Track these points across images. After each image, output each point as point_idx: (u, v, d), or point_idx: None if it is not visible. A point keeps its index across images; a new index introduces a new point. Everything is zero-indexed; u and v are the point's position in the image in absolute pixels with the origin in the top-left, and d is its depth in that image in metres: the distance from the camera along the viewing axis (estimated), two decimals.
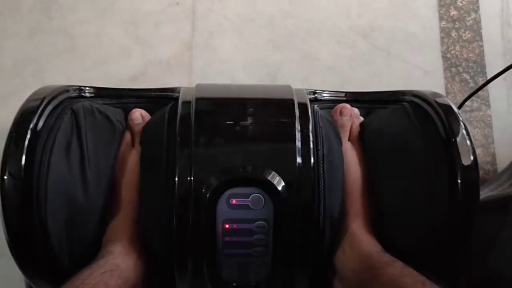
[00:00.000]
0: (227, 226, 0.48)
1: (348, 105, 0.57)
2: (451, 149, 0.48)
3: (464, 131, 0.49)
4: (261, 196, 0.47)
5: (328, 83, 0.78)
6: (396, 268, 0.43)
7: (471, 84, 0.80)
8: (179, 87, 0.58)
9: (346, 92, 0.62)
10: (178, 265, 0.49)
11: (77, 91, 0.57)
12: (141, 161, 0.52)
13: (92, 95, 0.58)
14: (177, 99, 0.55)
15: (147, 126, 0.55)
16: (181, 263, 0.49)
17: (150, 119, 0.56)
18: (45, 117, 0.50)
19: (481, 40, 0.83)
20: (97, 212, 0.50)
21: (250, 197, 0.47)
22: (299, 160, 0.49)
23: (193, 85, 0.59)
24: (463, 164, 0.47)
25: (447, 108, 0.52)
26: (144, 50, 0.79)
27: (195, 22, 0.81)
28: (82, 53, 0.78)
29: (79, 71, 0.77)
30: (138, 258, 0.49)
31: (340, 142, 0.54)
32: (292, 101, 0.53)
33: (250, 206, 0.47)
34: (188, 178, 0.47)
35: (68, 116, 0.51)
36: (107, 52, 0.78)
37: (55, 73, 0.76)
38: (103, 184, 0.50)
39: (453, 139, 0.49)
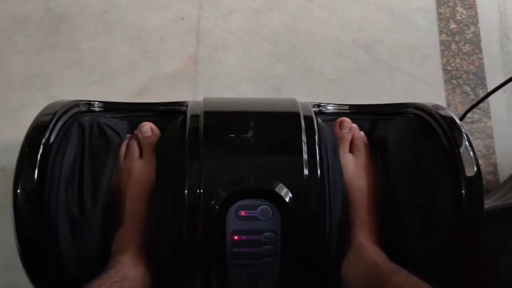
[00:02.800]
0: (236, 237, 0.48)
1: (347, 119, 0.58)
2: (454, 160, 0.49)
3: (467, 143, 0.50)
4: (269, 208, 0.48)
5: (331, 96, 0.79)
6: (401, 276, 0.43)
7: (472, 96, 0.82)
8: (187, 101, 0.59)
9: (349, 105, 0.63)
10: (187, 276, 0.49)
11: (87, 105, 0.58)
12: (156, 174, 0.53)
13: (101, 109, 0.59)
14: (185, 112, 0.56)
15: (161, 140, 0.55)
16: (190, 274, 0.49)
17: (164, 132, 0.56)
18: (56, 131, 0.51)
19: (481, 53, 0.84)
20: (98, 223, 0.50)
21: (258, 209, 0.48)
22: (306, 172, 0.49)
23: (198, 99, 0.59)
24: (466, 175, 0.48)
25: (450, 120, 0.53)
26: (150, 64, 0.80)
27: (200, 36, 0.82)
28: (90, 67, 0.79)
29: (86, 85, 0.78)
30: (146, 269, 0.49)
31: (338, 154, 0.55)
32: (298, 114, 0.53)
33: (259, 217, 0.48)
34: (198, 191, 0.48)
35: (76, 130, 0.52)
36: (114, 66, 0.79)
37: (63, 87, 0.78)
38: (99, 197, 0.50)
39: (456, 151, 0.49)
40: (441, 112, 0.55)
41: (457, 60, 0.83)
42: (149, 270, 0.50)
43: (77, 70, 0.79)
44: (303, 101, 0.59)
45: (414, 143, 0.54)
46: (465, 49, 0.84)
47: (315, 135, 0.52)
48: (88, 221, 0.50)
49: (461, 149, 0.50)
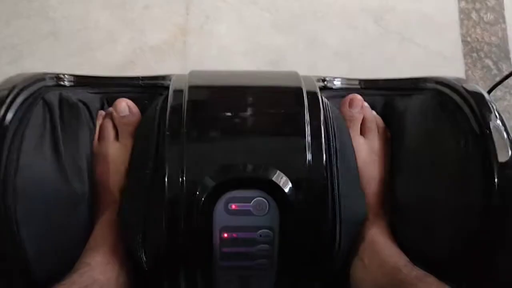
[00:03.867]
0: (225, 235, 0.43)
1: (358, 96, 0.52)
2: (485, 144, 0.43)
3: (499, 122, 0.44)
4: (265, 200, 0.42)
5: (336, 71, 0.73)
6: (430, 285, 0.38)
7: (494, 71, 0.75)
8: (171, 75, 0.53)
9: (360, 80, 0.56)
10: (169, 279, 0.44)
11: (55, 79, 0.52)
12: (130, 159, 0.48)
13: (72, 84, 0.53)
14: (168, 87, 0.50)
15: (142, 120, 0.50)
16: (172, 277, 0.44)
17: (146, 112, 0.51)
18: (14, 109, 0.45)
19: (504, 22, 0.78)
20: (81, 214, 0.45)
21: (252, 201, 0.42)
22: (309, 157, 0.43)
23: (188, 72, 0.53)
24: (499, 161, 0.42)
25: (478, 96, 0.46)
26: (134, 35, 0.74)
27: (189, 4, 0.76)
28: (65, 39, 0.73)
29: (61, 58, 0.73)
30: (120, 268, 0.44)
31: (349, 136, 0.49)
32: (300, 89, 0.48)
33: (252, 211, 0.42)
34: (180, 179, 0.42)
35: (39, 108, 0.46)
36: (93, 37, 0.74)
37: (35, 61, 0.72)
38: (84, 182, 0.45)
39: (488, 131, 0.43)
40: (467, 86, 0.49)
41: (478, 31, 0.77)
42: (124, 270, 0.44)
43: (51, 42, 0.73)
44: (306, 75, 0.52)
45: (436, 123, 0.48)
46: (486, 18, 0.78)
47: (320, 113, 0.46)
48: (71, 211, 0.44)
49: (493, 130, 0.44)
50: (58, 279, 0.41)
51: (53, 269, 0.43)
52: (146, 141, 0.47)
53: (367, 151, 0.50)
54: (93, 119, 0.50)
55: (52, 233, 0.43)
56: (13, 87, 0.46)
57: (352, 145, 0.48)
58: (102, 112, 0.52)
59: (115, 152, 0.49)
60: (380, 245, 0.44)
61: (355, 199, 0.46)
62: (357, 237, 0.46)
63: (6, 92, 0.45)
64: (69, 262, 0.43)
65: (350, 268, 0.45)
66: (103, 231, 0.46)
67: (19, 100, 0.45)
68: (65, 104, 0.48)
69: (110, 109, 0.51)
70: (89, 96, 0.51)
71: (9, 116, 0.44)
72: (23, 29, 0.72)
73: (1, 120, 0.43)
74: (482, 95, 0.46)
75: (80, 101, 0.49)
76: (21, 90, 0.46)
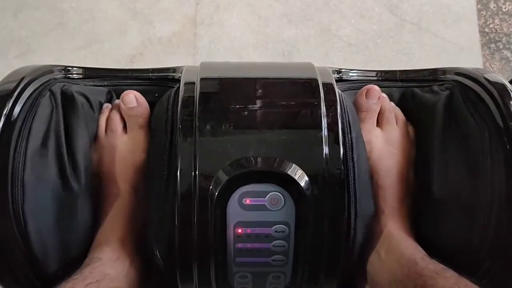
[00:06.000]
0: (239, 230, 0.42)
1: (375, 87, 0.50)
2: (508, 136, 0.42)
3: None
4: (281, 195, 0.41)
5: (350, 62, 0.73)
6: (449, 279, 0.37)
7: None
8: (181, 67, 0.52)
9: (377, 71, 0.55)
10: (181, 275, 0.43)
11: (63, 71, 0.51)
12: (148, 153, 0.47)
13: (80, 76, 0.52)
14: (179, 80, 0.49)
15: (154, 111, 0.49)
16: (185, 273, 0.43)
17: (158, 103, 0.50)
18: (22, 101, 0.45)
19: None
20: (83, 210, 0.44)
21: (267, 196, 0.41)
22: (326, 150, 0.42)
23: (197, 64, 0.52)
24: None
25: (501, 87, 0.45)
26: (142, 27, 0.74)
27: None
28: (73, 31, 0.73)
29: (69, 50, 0.72)
30: (131, 264, 0.43)
31: (359, 128, 0.48)
32: (315, 80, 0.46)
33: (267, 206, 0.42)
34: (192, 173, 0.41)
35: (46, 100, 0.46)
36: (101, 29, 0.73)
37: (43, 53, 0.71)
38: (80, 179, 0.44)
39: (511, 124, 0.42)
40: (489, 77, 0.48)
41: (496, 21, 0.76)
42: (135, 265, 0.44)
43: (59, 34, 0.72)
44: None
45: (456, 116, 0.47)
46: (505, 7, 0.76)
47: (336, 105, 0.45)
48: (69, 207, 0.43)
49: None
50: (68, 273, 0.40)
51: (60, 264, 0.43)
52: (160, 136, 0.46)
53: (383, 143, 0.48)
54: (94, 113, 0.48)
55: (56, 227, 0.43)
56: (21, 79, 0.45)
57: (362, 138, 0.47)
58: (108, 105, 0.51)
59: (123, 144, 0.48)
60: (396, 238, 0.43)
61: (368, 193, 0.45)
62: (372, 230, 0.45)
63: (14, 84, 0.44)
64: (75, 257, 0.43)
65: (367, 262, 0.44)
66: (111, 225, 0.45)
67: (27, 92, 0.45)
68: (65, 97, 0.47)
69: (118, 101, 0.50)
70: (94, 90, 0.51)
71: (17, 108, 0.43)
72: (31, 21, 0.72)
73: (9, 112, 0.42)
74: (504, 86, 0.45)
75: (82, 94, 0.48)
76: (29, 82, 0.46)
